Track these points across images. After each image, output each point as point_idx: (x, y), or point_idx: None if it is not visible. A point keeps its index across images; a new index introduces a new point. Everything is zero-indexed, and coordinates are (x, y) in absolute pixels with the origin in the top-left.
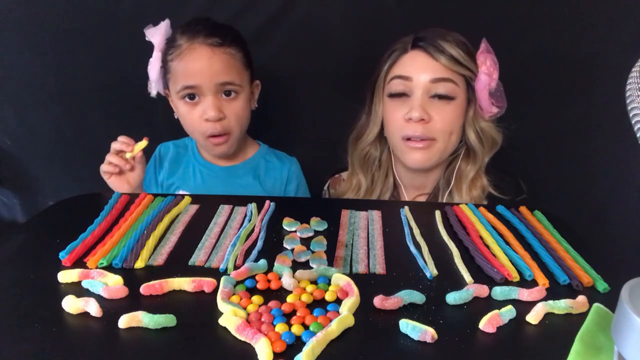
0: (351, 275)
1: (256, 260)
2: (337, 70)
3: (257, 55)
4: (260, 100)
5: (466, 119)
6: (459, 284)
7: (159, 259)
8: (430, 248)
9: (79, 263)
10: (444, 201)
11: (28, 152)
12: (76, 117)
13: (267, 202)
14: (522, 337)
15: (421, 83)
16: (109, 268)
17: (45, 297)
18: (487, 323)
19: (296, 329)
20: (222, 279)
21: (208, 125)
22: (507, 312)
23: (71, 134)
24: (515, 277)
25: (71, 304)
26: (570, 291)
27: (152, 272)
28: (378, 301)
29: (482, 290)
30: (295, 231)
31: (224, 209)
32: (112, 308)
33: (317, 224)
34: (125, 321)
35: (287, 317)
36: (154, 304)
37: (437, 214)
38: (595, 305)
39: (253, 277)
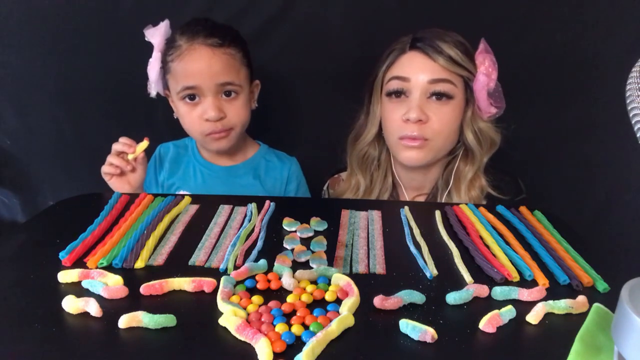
0: (351, 275)
1: (256, 260)
2: (337, 70)
3: (257, 55)
4: (260, 100)
5: (464, 120)
6: (459, 284)
7: (159, 259)
8: (430, 248)
9: (79, 263)
10: (443, 201)
11: (28, 152)
12: (76, 117)
13: (267, 202)
14: (522, 337)
15: (419, 84)
16: (109, 268)
17: (45, 297)
18: (487, 323)
19: (296, 329)
20: (222, 279)
21: (208, 125)
22: (507, 312)
23: (71, 134)
24: (515, 277)
25: (71, 304)
26: (570, 291)
27: (152, 272)
28: (378, 301)
29: (482, 290)
30: (295, 231)
31: (224, 209)
32: (112, 308)
33: (317, 224)
34: (125, 321)
35: (287, 317)
36: (154, 304)
37: (437, 214)
38: (595, 305)
39: (253, 277)
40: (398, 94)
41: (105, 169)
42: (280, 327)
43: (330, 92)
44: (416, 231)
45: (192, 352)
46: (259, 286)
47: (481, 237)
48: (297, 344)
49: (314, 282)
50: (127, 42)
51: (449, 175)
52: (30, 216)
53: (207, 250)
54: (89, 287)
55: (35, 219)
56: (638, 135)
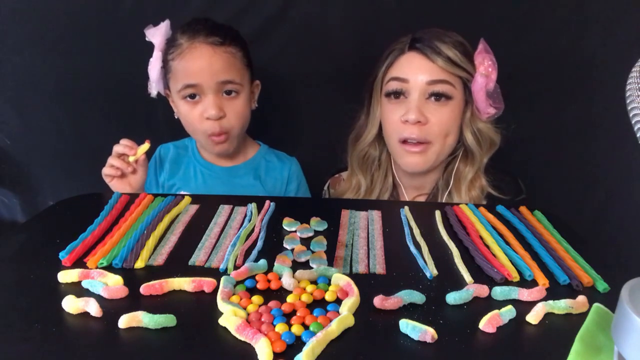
0: (351, 275)
1: (256, 260)
2: (337, 71)
3: (257, 55)
4: (260, 101)
5: (463, 120)
6: (459, 284)
7: (159, 259)
8: (430, 248)
9: (79, 263)
10: (444, 201)
11: (28, 152)
12: (76, 117)
13: (267, 202)
14: (522, 337)
15: (418, 85)
16: (109, 268)
17: (45, 297)
18: (487, 323)
19: (296, 329)
20: (222, 279)
21: (208, 124)
22: (507, 312)
23: (71, 134)
24: (515, 277)
25: (71, 304)
26: (570, 291)
27: (152, 272)
28: (378, 301)
29: (482, 290)
30: (295, 231)
31: (224, 209)
32: (112, 308)
33: (317, 224)
34: (125, 321)
35: (287, 317)
36: (154, 304)
37: (437, 214)
38: (595, 305)
39: (253, 277)
40: (397, 94)
41: (105, 170)
42: (280, 327)
43: (330, 92)
44: (416, 231)
45: (192, 352)
46: (259, 286)
47: (481, 237)
48: (297, 344)
49: (314, 282)
50: (127, 42)
51: (449, 175)
52: (30, 216)
53: (207, 250)
54: (89, 287)
55: (35, 219)
56: (638, 135)
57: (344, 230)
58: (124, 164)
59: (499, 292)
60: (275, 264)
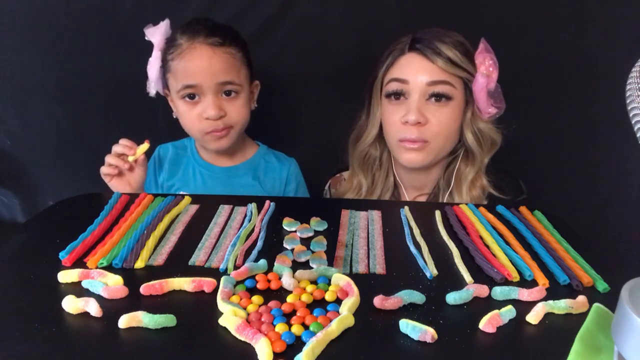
0: (351, 275)
1: (256, 260)
2: (336, 71)
3: (257, 55)
4: (260, 101)
5: (464, 120)
6: (459, 284)
7: (159, 259)
8: (430, 248)
9: (79, 263)
10: (445, 201)
11: (28, 152)
12: (76, 117)
13: (267, 202)
14: (522, 337)
15: (418, 86)
16: (109, 268)
17: (45, 297)
18: (487, 323)
19: (296, 329)
20: (222, 279)
21: (208, 124)
22: (507, 312)
23: (71, 134)
24: (515, 277)
25: (71, 304)
26: (570, 291)
27: (152, 272)
28: (378, 301)
29: (482, 290)
30: (295, 231)
31: (224, 209)
32: (112, 308)
33: (317, 224)
34: (125, 321)
35: (287, 317)
36: (154, 304)
37: (437, 214)
38: (595, 305)
39: (253, 277)
40: (397, 95)
41: (104, 170)
42: (280, 327)
43: (330, 92)
44: (416, 231)
45: (192, 352)
46: (259, 286)
47: (481, 237)
48: (297, 344)
49: (314, 282)
50: (127, 42)
51: (450, 175)
52: (30, 216)
53: (207, 250)
54: (89, 287)
55: (35, 219)
56: (638, 135)
57: (344, 230)
58: (120, 161)
59: (499, 292)
60: (275, 264)
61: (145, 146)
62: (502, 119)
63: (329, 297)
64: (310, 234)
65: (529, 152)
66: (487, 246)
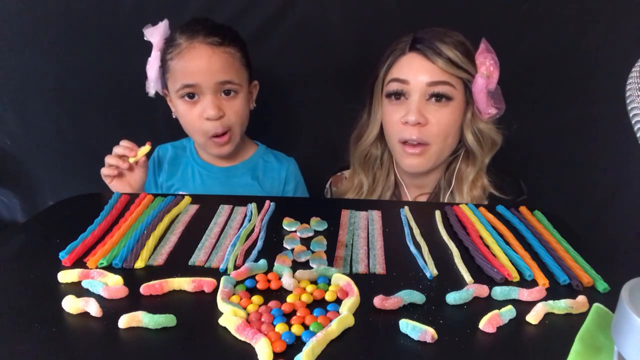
0: (351, 275)
1: (256, 260)
2: (336, 71)
3: (256, 55)
4: (260, 101)
5: (464, 121)
6: (459, 284)
7: (159, 259)
8: (430, 248)
9: (79, 263)
10: (446, 201)
11: (28, 152)
12: (76, 117)
13: (267, 202)
14: (522, 337)
15: (418, 86)
16: (109, 268)
17: (45, 297)
18: (487, 323)
19: (296, 329)
20: (222, 279)
21: (208, 124)
22: (507, 312)
23: (71, 134)
24: (515, 277)
25: (71, 304)
26: (570, 291)
27: (152, 272)
28: (378, 301)
29: (482, 290)
30: (295, 231)
31: (224, 209)
32: (112, 308)
33: (317, 224)
34: (125, 321)
35: (287, 317)
36: (154, 304)
37: (437, 214)
38: (595, 305)
39: (253, 277)
40: (397, 95)
41: (104, 171)
42: (280, 327)
43: (330, 92)
44: (416, 231)
45: (192, 352)
46: (259, 286)
47: (481, 237)
48: (297, 344)
49: (314, 282)
50: (127, 42)
51: (451, 175)
52: (30, 216)
53: (207, 250)
54: (89, 287)
55: (35, 219)
56: (638, 135)
57: (344, 230)
58: (119, 161)
59: (499, 292)
60: (275, 264)
61: (146, 148)
62: (503, 119)
63: (329, 297)
64: (310, 234)
65: (529, 152)
66: (487, 246)
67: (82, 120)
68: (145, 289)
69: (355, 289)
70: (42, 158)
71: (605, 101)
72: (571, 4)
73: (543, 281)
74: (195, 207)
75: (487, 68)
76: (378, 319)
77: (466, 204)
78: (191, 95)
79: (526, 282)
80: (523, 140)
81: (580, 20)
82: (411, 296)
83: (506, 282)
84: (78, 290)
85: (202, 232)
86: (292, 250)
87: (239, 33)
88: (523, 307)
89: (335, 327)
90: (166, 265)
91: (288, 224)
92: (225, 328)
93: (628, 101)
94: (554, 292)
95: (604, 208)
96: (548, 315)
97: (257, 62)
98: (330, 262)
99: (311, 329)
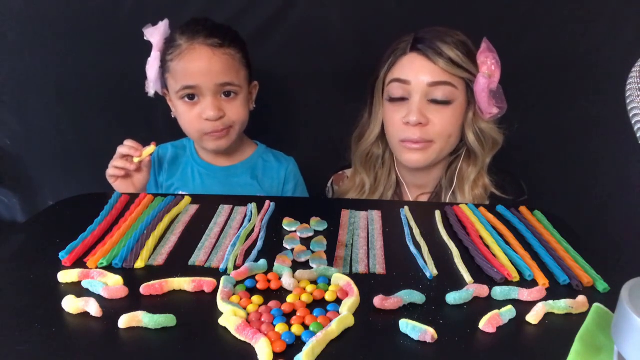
0: (351, 275)
1: (256, 260)
2: (336, 71)
3: (256, 55)
4: (259, 101)
5: (466, 121)
6: (459, 284)
7: (159, 259)
8: (430, 248)
9: (79, 263)
10: (447, 201)
11: (28, 152)
12: (76, 117)
13: (267, 202)
14: (522, 337)
15: (419, 86)
16: (109, 268)
17: (45, 297)
18: (487, 323)
19: (296, 329)
20: (222, 279)
21: (207, 125)
22: (507, 312)
23: (71, 134)
24: (515, 277)
25: (71, 304)
26: (570, 291)
27: (152, 272)
28: (378, 301)
29: (482, 290)
30: (295, 231)
31: (224, 209)
32: (112, 308)
33: (317, 224)
34: (125, 321)
35: (287, 317)
36: (154, 304)
37: (437, 214)
38: (595, 305)
39: (253, 277)
40: (399, 96)
41: (110, 171)
42: (280, 327)
43: (330, 92)
44: (416, 231)
45: (192, 352)
46: (259, 286)
47: (481, 237)
48: (297, 344)
49: (314, 282)
50: (127, 42)
51: (453, 174)
52: (30, 216)
53: (207, 250)
54: (89, 287)
55: (35, 219)
56: (638, 135)
57: (344, 230)
58: (127, 163)
59: (499, 292)
60: (275, 264)
61: (151, 149)
62: (504, 119)
63: (329, 297)
64: (310, 234)
65: (530, 152)
66: (487, 246)
67: (82, 120)
68: (145, 289)
69: (355, 289)
70: (42, 158)
71: (605, 101)
72: (571, 4)
73: (543, 281)
74: (195, 207)
75: (488, 67)
76: (378, 319)
77: (466, 204)
78: (191, 97)
79: (526, 282)
80: (523, 140)
81: (580, 20)
82: (411, 296)
83: (506, 282)
84: (78, 290)
85: (202, 232)
86: (292, 250)
87: (239, 33)
88: (523, 307)
89: (335, 327)
90: (166, 265)
91: (288, 224)
92: (225, 328)
93: (628, 101)
94: (554, 292)
95: (604, 208)
96: (548, 315)
97: (257, 62)
98: (330, 262)
99: (311, 329)
